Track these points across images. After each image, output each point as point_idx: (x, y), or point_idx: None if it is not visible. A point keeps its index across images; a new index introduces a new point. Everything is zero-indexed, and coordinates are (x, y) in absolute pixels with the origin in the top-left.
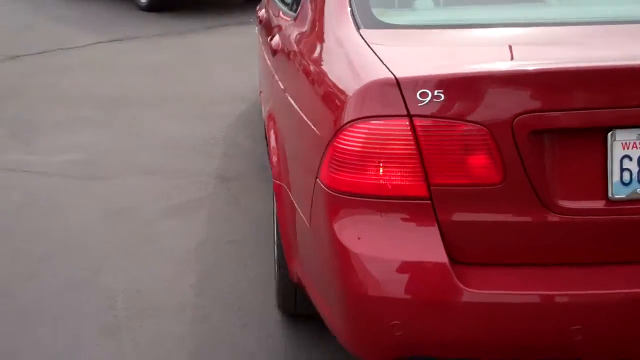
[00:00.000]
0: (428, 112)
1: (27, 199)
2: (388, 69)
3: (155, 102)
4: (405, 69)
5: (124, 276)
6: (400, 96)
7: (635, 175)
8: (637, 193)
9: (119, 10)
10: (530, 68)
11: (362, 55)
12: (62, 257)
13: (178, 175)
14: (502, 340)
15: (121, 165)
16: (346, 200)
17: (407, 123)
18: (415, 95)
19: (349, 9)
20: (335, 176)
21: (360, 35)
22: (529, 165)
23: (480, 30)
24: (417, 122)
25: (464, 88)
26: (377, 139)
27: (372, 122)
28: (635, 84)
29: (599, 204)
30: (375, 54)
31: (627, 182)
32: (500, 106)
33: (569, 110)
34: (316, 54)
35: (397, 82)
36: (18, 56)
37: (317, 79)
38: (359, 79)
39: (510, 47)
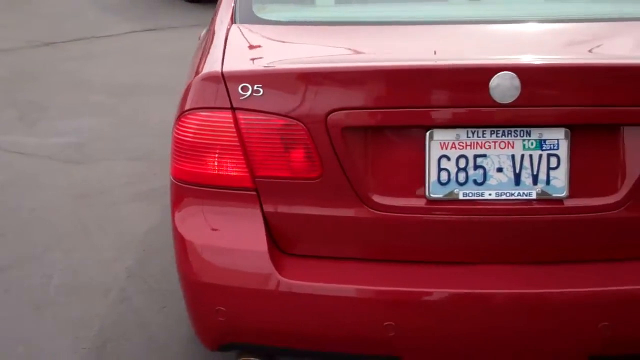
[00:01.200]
0: (249, 106)
1: (9, 178)
2: (222, 63)
3: (167, 91)
4: (235, 64)
5: (69, 255)
6: (225, 89)
7: (452, 176)
8: (454, 194)
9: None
10: (342, 66)
11: (215, 49)
12: (21, 234)
13: (159, 162)
14: (317, 331)
15: (110, 150)
16: (183, 188)
17: (230, 116)
18: (238, 89)
19: (233, 4)
20: (175, 165)
21: (228, 29)
22: (344, 161)
23: (346, 28)
24: (240, 115)
25: (280, 84)
26: (204, 130)
27: (201, 113)
28: (453, 83)
29: (417, 203)
30: (224, 48)
31: (444, 182)
32: (314, 102)
33: (384, 109)
34: (197, 47)
35: (223, 76)
36: (53, 42)
37: (187, 72)
38: (198, 72)
39: (359, 45)
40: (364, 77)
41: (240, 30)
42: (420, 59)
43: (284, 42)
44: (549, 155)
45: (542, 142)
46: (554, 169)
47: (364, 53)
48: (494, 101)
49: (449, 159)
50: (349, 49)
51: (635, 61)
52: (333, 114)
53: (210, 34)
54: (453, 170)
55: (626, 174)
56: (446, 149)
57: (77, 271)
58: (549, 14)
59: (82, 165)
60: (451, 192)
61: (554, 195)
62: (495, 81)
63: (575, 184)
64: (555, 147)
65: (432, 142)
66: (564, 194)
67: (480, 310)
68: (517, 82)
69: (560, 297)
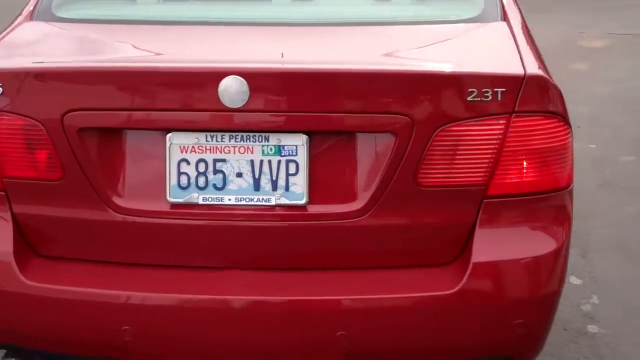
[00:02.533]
0: None
1: None
2: None
3: None
4: None
5: None
6: None
7: (192, 180)
8: (194, 198)
9: None
10: (76, 66)
11: None
12: None
13: None
14: (60, 334)
15: None
16: None
17: None
18: None
19: (37, 0)
20: None
21: (16, 25)
22: (84, 163)
23: (136, 27)
24: None
25: (19, 82)
26: None
27: None
28: (185, 87)
29: (159, 207)
30: None
31: (184, 186)
32: (51, 102)
33: (120, 110)
34: None
35: None
36: None
37: None
38: None
39: (131, 45)
40: (98, 77)
41: (30, 27)
42: (152, 61)
43: (60, 40)
44: (287, 162)
45: (281, 147)
46: (293, 175)
47: (127, 53)
48: (224, 105)
49: (188, 163)
50: (118, 49)
51: (366, 68)
52: (69, 114)
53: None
54: (193, 174)
55: (365, 181)
56: (186, 152)
57: None
58: (304, 16)
59: None
60: (191, 197)
61: (293, 201)
62: (223, 85)
63: (316, 191)
64: (293, 153)
65: (172, 146)
66: (303, 200)
67: (221, 316)
68: (245, 86)
69: (299, 303)
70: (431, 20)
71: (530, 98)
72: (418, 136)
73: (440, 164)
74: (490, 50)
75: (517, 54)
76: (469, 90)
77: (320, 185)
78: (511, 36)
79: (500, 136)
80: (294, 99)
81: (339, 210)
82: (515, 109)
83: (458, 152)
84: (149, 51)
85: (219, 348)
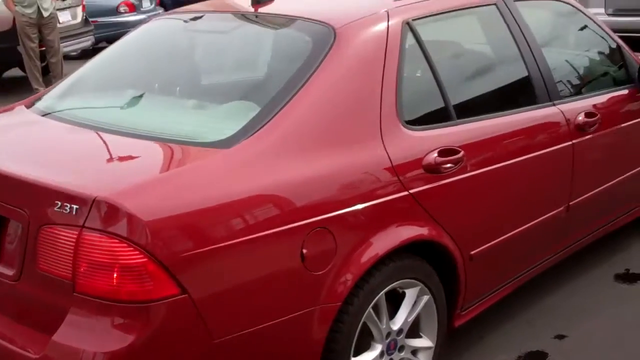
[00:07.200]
0: None
1: None
2: None
3: None
4: None
5: None
6: None
7: None
8: None
9: None
10: None
11: None
12: None
13: None
14: None
15: None
16: None
17: None
18: None
19: None
20: None
21: None
22: None
23: None
24: None
25: None
26: None
27: None
28: None
29: None
30: None
31: None
32: None
33: None
34: None
35: None
36: None
37: None
38: None
39: None
40: None
41: None
42: None
43: None
44: None
45: None
46: None
47: None
48: None
49: None
50: None
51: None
52: None
53: None
54: None
55: (18, 255)
56: None
57: None
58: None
59: None
60: None
61: None
62: None
63: None
64: None
65: None
66: None
67: None
68: None
69: None
70: (171, 139)
71: (97, 218)
72: (32, 228)
73: (47, 254)
74: (124, 173)
75: (162, 182)
76: (55, 201)
77: None
78: (193, 161)
79: (73, 244)
80: None
81: (6, 272)
82: (85, 224)
83: (55, 249)
84: None
85: None
